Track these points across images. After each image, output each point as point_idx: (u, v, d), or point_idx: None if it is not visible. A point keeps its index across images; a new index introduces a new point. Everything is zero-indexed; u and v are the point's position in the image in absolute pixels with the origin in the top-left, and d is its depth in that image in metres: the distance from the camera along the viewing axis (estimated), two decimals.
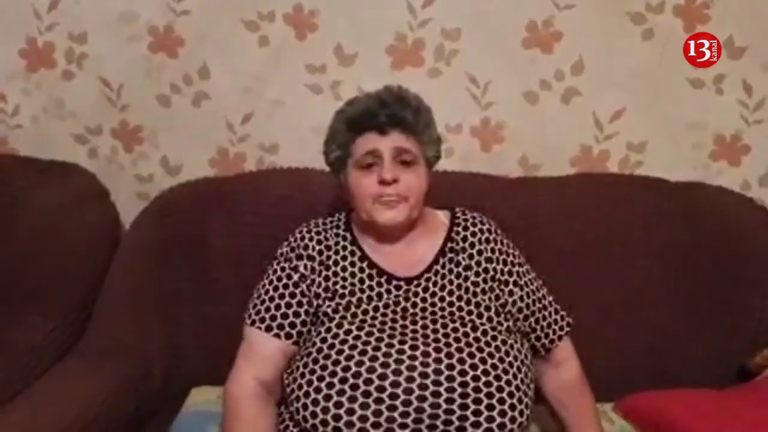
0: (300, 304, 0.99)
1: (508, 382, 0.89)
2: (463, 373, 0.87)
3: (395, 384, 0.87)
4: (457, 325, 0.94)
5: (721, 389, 1.17)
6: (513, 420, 0.88)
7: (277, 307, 0.99)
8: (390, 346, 0.90)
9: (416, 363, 0.88)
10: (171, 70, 1.46)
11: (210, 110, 1.48)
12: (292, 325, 0.99)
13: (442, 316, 0.95)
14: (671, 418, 1.07)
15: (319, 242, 1.04)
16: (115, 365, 1.17)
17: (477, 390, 0.87)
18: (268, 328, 0.99)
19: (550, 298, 1.08)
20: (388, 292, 0.99)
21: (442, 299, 0.98)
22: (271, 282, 1.02)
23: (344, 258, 1.03)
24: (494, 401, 0.87)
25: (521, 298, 1.02)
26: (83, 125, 1.51)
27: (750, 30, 1.41)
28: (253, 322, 1.00)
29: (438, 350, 0.89)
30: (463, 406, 0.86)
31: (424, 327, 0.93)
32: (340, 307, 0.97)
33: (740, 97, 1.44)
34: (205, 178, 1.41)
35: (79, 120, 1.51)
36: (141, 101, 1.48)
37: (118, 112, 1.50)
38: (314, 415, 0.88)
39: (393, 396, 0.86)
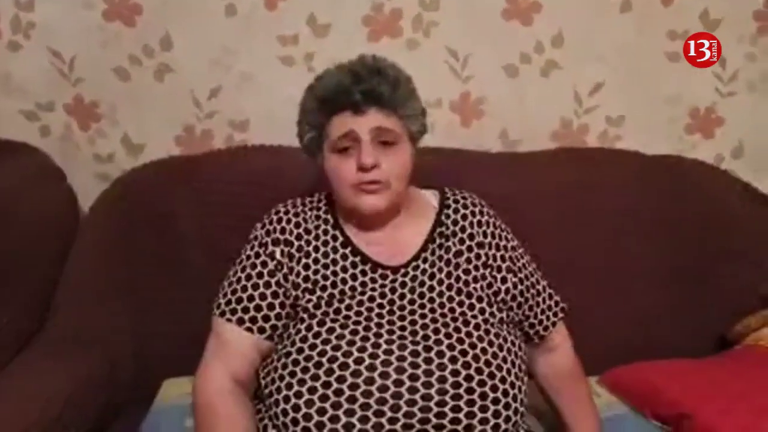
0: (276, 295, 0.91)
1: (503, 380, 0.83)
2: (455, 373, 0.81)
3: (383, 388, 0.80)
4: (448, 320, 0.87)
5: (703, 359, 1.19)
6: (507, 419, 0.83)
7: (250, 298, 0.90)
8: (376, 346, 0.83)
9: (405, 364, 0.81)
10: (129, 41, 1.36)
11: (174, 84, 1.39)
12: (266, 319, 0.90)
13: (432, 309, 0.88)
14: (656, 389, 1.08)
15: (297, 225, 0.95)
16: (79, 357, 1.11)
17: (470, 391, 0.81)
18: (240, 321, 0.89)
19: (544, 283, 1.02)
20: (373, 281, 0.91)
21: (431, 289, 0.91)
22: (243, 269, 0.93)
23: (325, 243, 0.94)
24: (488, 402, 0.81)
25: (515, 285, 0.96)
26: (33, 101, 1.40)
27: (724, 1, 1.41)
28: (222, 314, 0.91)
29: (428, 349, 0.83)
30: (456, 408, 0.80)
31: (413, 323, 0.86)
32: (322, 302, 0.89)
33: (715, 69, 1.45)
34: (170, 157, 1.33)
35: (29, 95, 1.39)
36: (97, 74, 1.38)
37: (71, 86, 1.39)
38: (295, 422, 0.81)
39: (381, 401, 0.79)
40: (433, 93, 1.43)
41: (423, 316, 0.88)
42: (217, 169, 1.27)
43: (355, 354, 0.82)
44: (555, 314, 1.01)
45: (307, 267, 0.92)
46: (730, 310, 1.25)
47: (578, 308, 1.21)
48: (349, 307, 0.89)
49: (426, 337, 0.84)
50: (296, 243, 0.94)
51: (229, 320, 0.91)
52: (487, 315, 0.90)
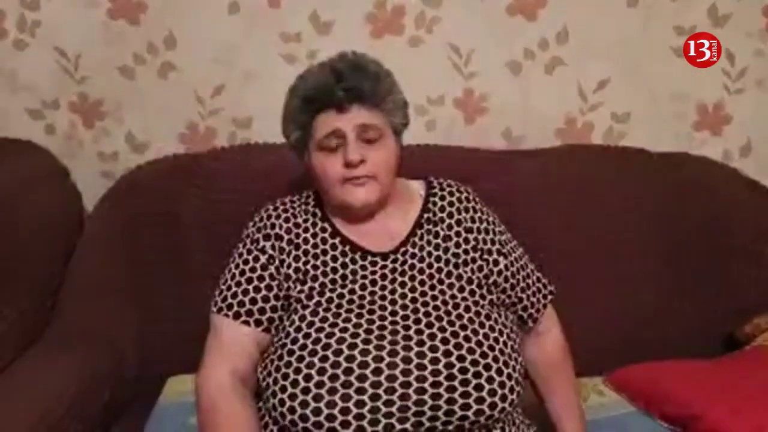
0: (269, 288, 0.92)
1: (496, 359, 0.84)
2: (447, 354, 0.82)
3: (377, 371, 0.81)
4: (439, 303, 0.89)
5: (712, 359, 1.17)
6: (504, 398, 0.83)
7: (245, 292, 0.92)
8: (369, 332, 0.84)
9: (398, 348, 0.82)
10: (133, 39, 1.37)
11: (177, 82, 1.40)
12: (262, 311, 0.91)
13: (423, 293, 0.90)
14: (665, 390, 1.07)
15: (287, 220, 0.97)
16: (84, 354, 1.11)
17: (464, 371, 0.82)
18: (236, 315, 0.91)
19: (532, 266, 1.04)
20: (363, 268, 0.92)
21: (421, 272, 0.92)
22: (237, 266, 0.95)
23: (315, 235, 0.96)
24: (482, 380, 0.82)
25: (506, 267, 0.97)
26: (39, 99, 1.41)
27: None
28: (219, 310, 0.92)
29: (419, 332, 0.84)
30: (451, 389, 0.81)
31: (404, 307, 0.87)
32: (314, 292, 0.90)
33: (723, 65, 1.44)
34: (175, 155, 1.33)
35: (34, 94, 1.40)
36: (101, 73, 1.39)
37: (77, 84, 1.40)
38: (292, 410, 0.81)
39: (375, 384, 0.80)
40: (436, 90, 1.42)
41: (414, 300, 0.89)
42: (221, 167, 1.27)
43: (349, 340, 0.83)
44: (545, 296, 1.03)
45: (297, 259, 0.94)
46: (736, 308, 1.24)
47: (583, 305, 1.22)
48: (341, 296, 0.90)
49: (417, 320, 0.86)
50: (286, 237, 0.95)
51: (226, 315, 0.92)
52: (477, 297, 0.91)
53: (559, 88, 1.43)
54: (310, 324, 0.87)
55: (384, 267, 0.93)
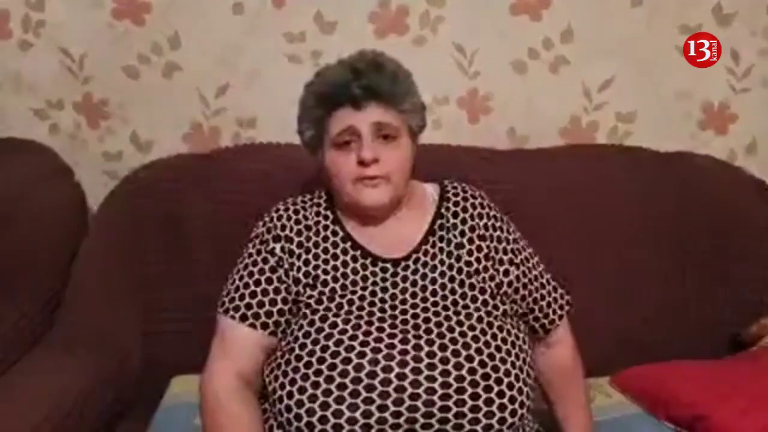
0: (277, 291, 0.91)
1: (507, 372, 0.82)
2: (458, 366, 0.80)
3: (386, 382, 0.79)
4: (450, 313, 0.86)
5: (718, 360, 1.17)
6: (513, 413, 0.81)
7: (253, 295, 0.90)
8: (378, 340, 0.82)
9: (408, 358, 0.80)
10: (138, 39, 1.37)
11: (182, 82, 1.40)
12: (269, 315, 0.90)
13: (434, 303, 0.88)
14: (671, 391, 1.06)
15: (297, 222, 0.95)
16: (88, 355, 1.11)
17: (474, 384, 0.80)
18: (243, 318, 0.89)
19: (548, 276, 1.00)
20: (374, 275, 0.90)
21: (433, 281, 0.90)
22: (245, 266, 0.93)
23: (325, 239, 0.94)
24: (492, 395, 0.80)
25: (518, 278, 0.94)
26: (43, 99, 1.41)
27: None
28: (226, 311, 0.90)
29: (430, 343, 0.82)
30: (460, 402, 0.79)
31: (415, 316, 0.86)
32: (324, 297, 0.89)
33: (728, 64, 1.43)
34: (179, 155, 1.33)
35: (39, 94, 1.40)
36: (106, 73, 1.39)
37: (81, 84, 1.40)
38: (299, 417, 0.80)
39: (383, 395, 0.79)
40: (440, 89, 1.42)
41: (425, 309, 0.87)
42: (225, 167, 1.27)
43: (357, 348, 0.82)
44: (561, 307, 1.00)
45: (307, 262, 0.92)
46: (742, 309, 1.23)
47: (588, 307, 1.20)
48: (350, 302, 0.88)
49: (428, 330, 0.84)
50: (296, 239, 0.94)
51: (232, 317, 0.90)
52: (489, 307, 0.89)
53: (564, 88, 1.43)
54: (319, 330, 0.85)
55: (395, 274, 0.91)
